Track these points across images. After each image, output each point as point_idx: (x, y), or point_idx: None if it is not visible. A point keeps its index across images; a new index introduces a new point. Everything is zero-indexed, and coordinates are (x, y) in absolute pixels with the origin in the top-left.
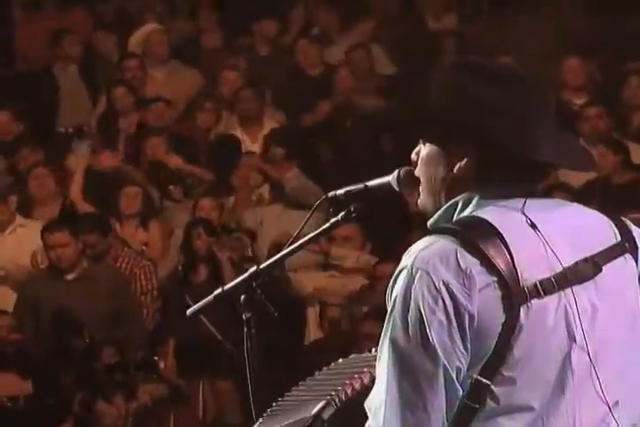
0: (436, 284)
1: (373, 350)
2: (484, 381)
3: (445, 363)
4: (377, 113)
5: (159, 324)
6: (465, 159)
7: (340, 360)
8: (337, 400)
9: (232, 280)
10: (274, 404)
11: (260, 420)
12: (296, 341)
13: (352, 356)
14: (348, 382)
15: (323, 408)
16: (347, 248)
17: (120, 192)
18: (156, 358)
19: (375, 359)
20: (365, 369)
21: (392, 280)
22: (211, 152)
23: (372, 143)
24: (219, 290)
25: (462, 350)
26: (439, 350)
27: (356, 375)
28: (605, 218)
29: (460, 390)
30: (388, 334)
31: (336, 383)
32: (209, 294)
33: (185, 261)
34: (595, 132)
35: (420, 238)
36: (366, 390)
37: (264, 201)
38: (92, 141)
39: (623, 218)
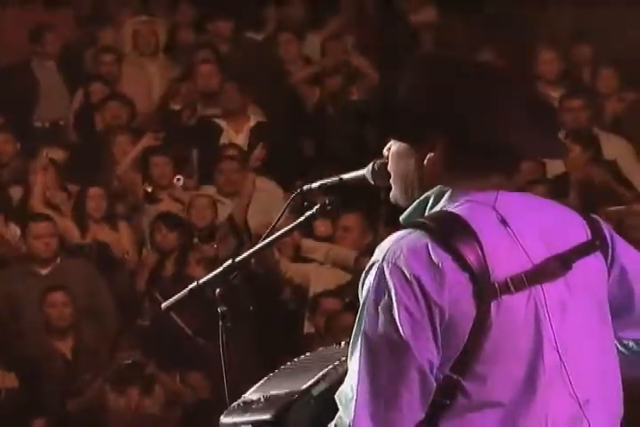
0: (408, 277)
1: (343, 343)
2: (455, 376)
3: (417, 356)
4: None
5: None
6: (434, 151)
7: (308, 354)
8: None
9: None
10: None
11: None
12: (292, 332)
13: (320, 349)
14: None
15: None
16: (348, 239)
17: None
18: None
19: (344, 353)
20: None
21: (363, 274)
22: (190, 134)
23: (355, 136)
24: (194, 284)
25: (433, 344)
26: (411, 343)
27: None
28: (577, 215)
29: (434, 384)
30: (361, 327)
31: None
32: (175, 289)
33: (151, 256)
34: (576, 125)
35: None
36: None
37: None
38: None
39: (595, 216)
